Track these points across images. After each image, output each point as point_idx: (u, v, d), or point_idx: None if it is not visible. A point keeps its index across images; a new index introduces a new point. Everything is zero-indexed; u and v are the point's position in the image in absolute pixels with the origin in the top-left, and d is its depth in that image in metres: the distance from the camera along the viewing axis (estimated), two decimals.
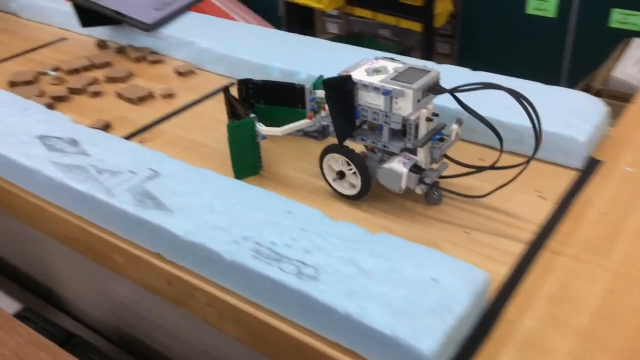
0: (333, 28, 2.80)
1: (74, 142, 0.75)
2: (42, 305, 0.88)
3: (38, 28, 1.28)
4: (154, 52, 1.12)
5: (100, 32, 1.18)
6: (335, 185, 0.71)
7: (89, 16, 1.10)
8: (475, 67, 0.88)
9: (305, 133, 0.75)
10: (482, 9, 2.29)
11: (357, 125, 0.67)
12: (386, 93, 0.62)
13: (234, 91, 0.81)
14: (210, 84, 1.01)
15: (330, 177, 0.71)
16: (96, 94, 0.98)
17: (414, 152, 0.66)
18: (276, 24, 2.83)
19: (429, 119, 0.65)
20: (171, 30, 1.11)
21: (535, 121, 0.61)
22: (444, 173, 0.69)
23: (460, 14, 2.35)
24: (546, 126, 0.65)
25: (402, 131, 0.65)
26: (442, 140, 0.67)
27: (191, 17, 1.17)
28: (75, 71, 1.06)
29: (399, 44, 2.48)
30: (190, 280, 0.60)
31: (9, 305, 0.80)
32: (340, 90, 0.64)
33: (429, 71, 0.64)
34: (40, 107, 0.84)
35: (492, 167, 0.65)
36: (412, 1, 2.18)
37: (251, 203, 0.63)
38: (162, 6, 1.15)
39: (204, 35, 1.08)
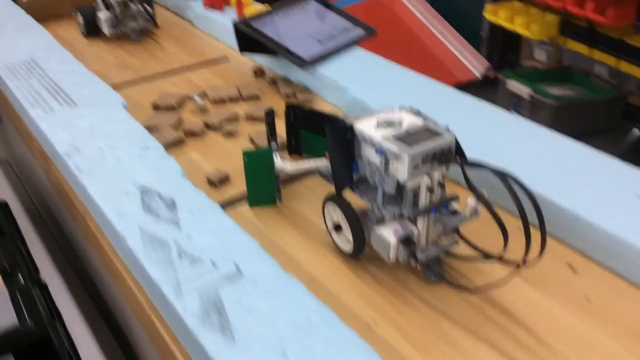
0: (540, 55, 2.51)
1: (172, 205, 0.67)
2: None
3: (207, 41, 1.25)
4: (307, 90, 1.02)
5: (261, 56, 1.11)
6: (334, 236, 0.67)
7: (249, 41, 1.02)
8: None
9: (321, 174, 0.70)
10: None
11: (356, 179, 0.63)
12: (380, 152, 0.58)
13: None
14: None
15: (329, 226, 0.68)
16: (230, 135, 0.90)
17: (415, 219, 0.59)
18: (476, 43, 2.62)
19: (430, 189, 0.57)
20: (327, 68, 0.99)
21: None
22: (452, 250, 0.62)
23: None
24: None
25: (399, 196, 0.59)
26: (454, 213, 0.60)
27: (356, 55, 1.04)
28: (220, 101, 0.99)
29: (615, 88, 2.13)
30: None
31: None
32: (341, 138, 0.61)
33: (441, 135, 0.57)
34: (159, 149, 0.78)
35: (497, 259, 0.58)
36: (638, 43, 1.83)
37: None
38: (326, 39, 1.04)
39: (362, 81, 0.95)
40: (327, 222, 0.68)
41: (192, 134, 0.90)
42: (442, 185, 0.59)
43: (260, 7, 1.19)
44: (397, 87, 0.94)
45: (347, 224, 0.64)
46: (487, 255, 0.60)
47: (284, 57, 1.01)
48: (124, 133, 0.81)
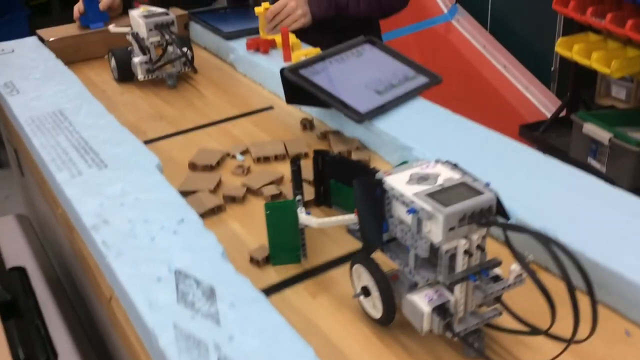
0: (619, 93, 2.42)
1: (211, 295, 0.63)
2: None
3: (250, 88, 1.22)
4: (363, 147, 0.97)
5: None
6: (362, 300, 0.66)
7: (298, 91, 0.99)
8: None
9: (349, 230, 0.70)
10: None
11: (387, 238, 0.61)
12: (412, 211, 0.55)
13: None
14: None
15: (357, 290, 0.66)
16: (275, 200, 0.86)
17: (452, 286, 0.57)
18: (546, 79, 2.55)
19: (468, 253, 0.55)
20: (387, 123, 0.95)
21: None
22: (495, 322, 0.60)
23: None
24: None
25: (434, 260, 0.57)
26: (496, 279, 0.59)
27: (419, 106, 1.00)
28: (264, 159, 0.96)
29: None
30: None
31: None
32: (370, 194, 0.59)
33: (480, 193, 0.55)
34: (197, 223, 0.74)
35: (545, 333, 0.55)
36: None
37: None
38: (385, 89, 0.99)
39: (426, 139, 0.90)
40: (354, 285, 0.66)
41: (232, 199, 0.87)
42: (481, 248, 0.57)
43: (310, 50, 1.16)
44: (467, 145, 0.88)
45: (376, 289, 0.62)
46: (533, 329, 0.57)
47: (337, 110, 0.97)
48: (157, 202, 0.77)
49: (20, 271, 1.03)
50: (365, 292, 0.64)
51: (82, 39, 1.38)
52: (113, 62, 1.26)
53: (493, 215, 0.56)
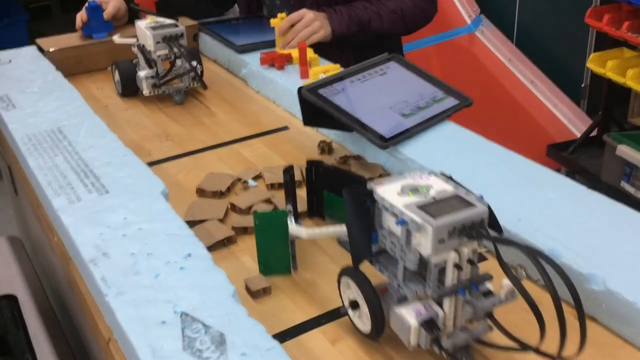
0: None
1: (220, 343, 0.60)
2: None
3: (263, 106, 1.20)
4: (386, 174, 0.94)
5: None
6: (350, 314, 0.67)
7: (316, 112, 0.96)
8: None
9: (340, 242, 0.72)
10: None
11: (376, 250, 0.63)
12: (401, 223, 0.57)
13: None
14: None
15: (345, 302, 0.67)
16: None
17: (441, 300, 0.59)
18: (576, 96, 2.52)
19: (458, 267, 0.57)
20: (412, 149, 0.92)
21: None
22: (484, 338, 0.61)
23: None
24: None
25: (423, 273, 0.59)
26: (487, 294, 0.59)
27: (446, 130, 0.97)
28: (279, 186, 0.93)
29: None
30: None
31: None
32: (359, 204, 0.61)
33: (472, 205, 0.57)
34: (205, 258, 0.71)
35: (535, 350, 0.56)
36: None
37: None
38: (411, 111, 0.96)
39: (455, 166, 0.87)
40: (342, 298, 0.68)
41: (244, 230, 0.84)
42: (472, 262, 0.58)
43: (329, 67, 1.14)
44: (500, 175, 0.85)
45: (365, 302, 0.63)
46: (523, 345, 0.58)
47: (358, 133, 0.95)
48: (162, 234, 0.74)
49: (11, 300, 1.00)
50: (353, 305, 0.66)
51: (84, 50, 1.37)
52: (117, 75, 1.24)
53: (485, 228, 0.57)
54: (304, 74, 1.14)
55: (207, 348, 0.59)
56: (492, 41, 2.71)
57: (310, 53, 1.18)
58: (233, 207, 0.89)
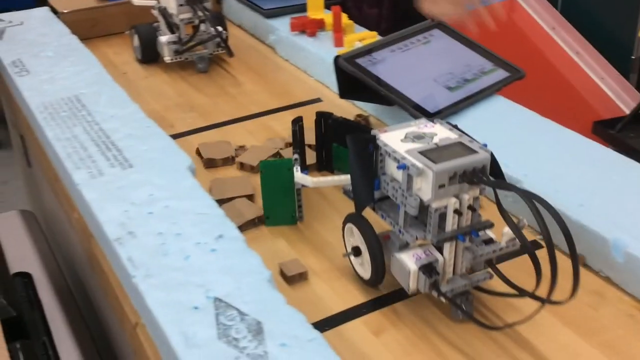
0: None
1: (258, 331, 0.59)
2: None
3: (294, 75, 1.19)
4: None
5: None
6: (353, 260, 0.72)
7: (353, 83, 0.95)
8: None
9: (345, 192, 0.74)
10: None
11: (380, 197, 0.67)
12: (402, 167, 0.61)
13: None
14: None
15: (348, 248, 0.72)
16: None
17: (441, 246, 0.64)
18: (624, 68, 2.48)
19: (458, 213, 0.61)
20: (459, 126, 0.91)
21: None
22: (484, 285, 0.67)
23: None
24: None
25: (424, 219, 0.63)
26: (489, 242, 0.65)
27: (496, 105, 0.95)
28: None
29: None
30: None
31: None
32: (362, 150, 0.65)
33: (474, 152, 0.61)
34: (238, 239, 0.70)
35: (531, 295, 0.60)
36: None
37: None
38: (458, 84, 0.95)
39: (507, 147, 0.86)
40: (346, 244, 0.73)
41: None
42: (473, 209, 0.62)
43: (365, 34, 1.13)
44: (562, 157, 0.84)
45: (366, 247, 0.68)
46: (520, 291, 0.62)
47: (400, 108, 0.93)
48: (191, 213, 0.74)
49: (25, 278, 1.01)
50: (356, 251, 0.70)
51: (100, 12, 1.36)
52: (136, 40, 1.23)
53: (485, 174, 0.61)
54: (338, 42, 1.13)
55: (244, 337, 0.59)
56: (534, 7, 2.67)
57: (345, 19, 1.16)
58: (242, 166, 0.92)
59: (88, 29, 1.34)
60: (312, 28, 1.18)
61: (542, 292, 0.58)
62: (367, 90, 0.93)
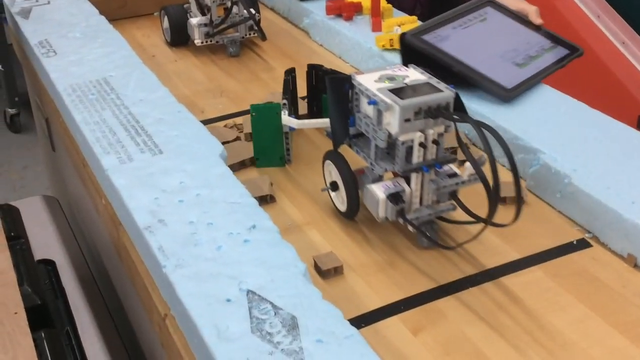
0: None
1: (292, 326, 0.59)
2: None
3: (327, 61, 1.18)
4: (472, 144, 0.92)
5: None
6: (332, 194, 0.82)
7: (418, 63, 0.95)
8: None
9: (327, 134, 0.81)
10: None
11: (353, 134, 0.77)
12: (372, 103, 0.70)
13: None
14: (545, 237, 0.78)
15: (327, 184, 0.81)
16: None
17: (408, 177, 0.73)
18: None
19: (423, 146, 0.70)
20: (504, 117, 0.90)
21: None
22: (447, 215, 0.77)
23: None
24: None
25: (392, 151, 0.72)
26: (453, 176, 0.73)
27: (543, 95, 0.94)
28: None
29: None
30: None
31: None
32: (339, 90, 0.74)
33: (440, 91, 0.70)
34: (272, 230, 0.70)
35: (486, 222, 0.67)
36: None
37: None
38: (524, 60, 0.94)
39: (556, 140, 0.84)
40: (326, 180, 0.81)
41: None
42: (437, 143, 0.71)
43: (404, 19, 1.12)
44: (614, 152, 0.83)
45: (342, 181, 0.77)
46: (477, 218, 0.71)
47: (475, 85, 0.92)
48: (222, 202, 0.74)
49: (49, 265, 1.02)
50: (334, 186, 0.79)
51: None
52: (166, 22, 1.24)
53: (448, 110, 0.69)
54: (376, 27, 1.12)
55: (278, 332, 0.59)
56: None
57: (383, 2, 1.15)
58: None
59: (116, 9, 1.35)
60: (349, 12, 1.18)
61: (506, 220, 0.67)
62: (433, 67, 0.93)
